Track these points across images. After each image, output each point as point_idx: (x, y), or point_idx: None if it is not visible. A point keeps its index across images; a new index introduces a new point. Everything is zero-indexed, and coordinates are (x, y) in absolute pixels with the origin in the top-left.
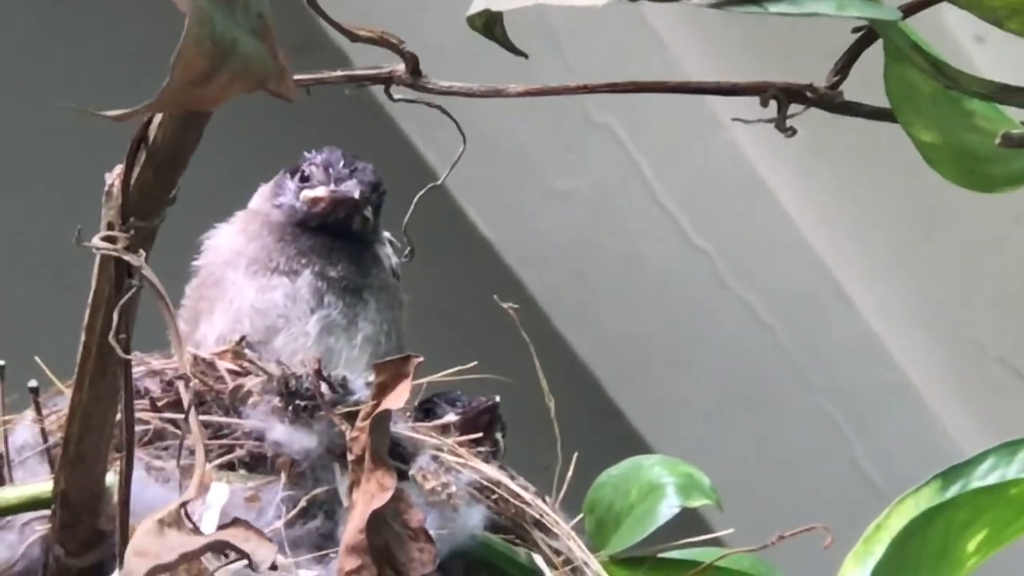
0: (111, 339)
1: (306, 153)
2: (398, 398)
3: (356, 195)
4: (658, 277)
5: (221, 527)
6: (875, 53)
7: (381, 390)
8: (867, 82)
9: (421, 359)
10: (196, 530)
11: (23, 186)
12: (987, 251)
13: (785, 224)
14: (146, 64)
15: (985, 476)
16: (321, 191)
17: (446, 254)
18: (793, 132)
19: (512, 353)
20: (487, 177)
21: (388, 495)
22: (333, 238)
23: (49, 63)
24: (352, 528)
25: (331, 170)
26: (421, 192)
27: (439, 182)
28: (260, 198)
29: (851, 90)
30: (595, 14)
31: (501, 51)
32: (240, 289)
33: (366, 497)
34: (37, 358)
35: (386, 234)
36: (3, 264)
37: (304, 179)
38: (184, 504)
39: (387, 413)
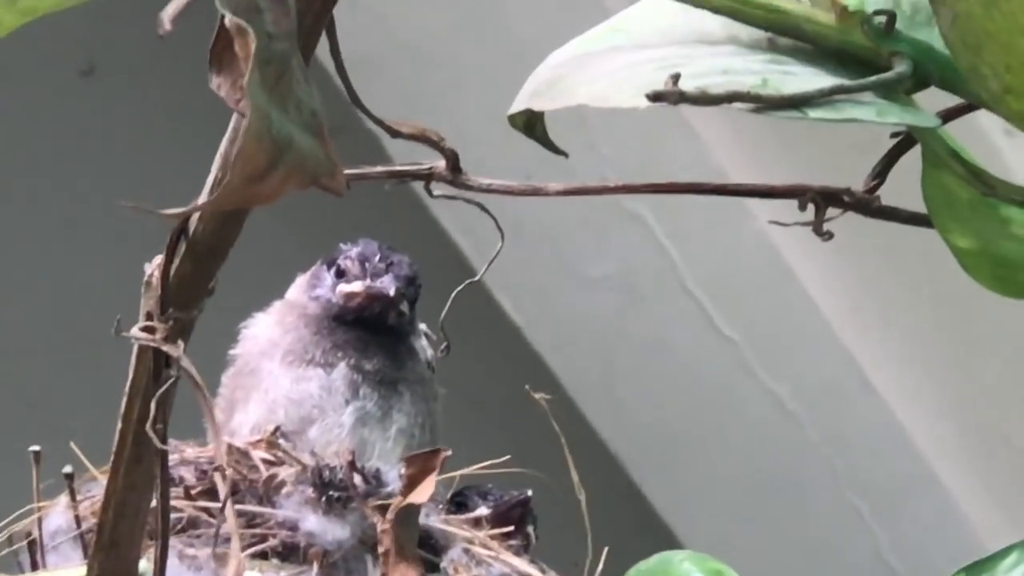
0: (148, 429)
1: (342, 245)
2: (423, 493)
3: (391, 292)
4: (685, 365)
5: None
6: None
7: (410, 483)
8: (902, 184)
9: (449, 453)
10: None
11: (61, 269)
12: (1013, 344)
13: (812, 314)
14: (176, 134)
15: (1009, 571)
16: (357, 286)
17: (475, 338)
18: (830, 236)
19: (541, 439)
20: (518, 262)
21: None
22: (369, 331)
23: (81, 138)
24: None
25: (367, 264)
26: (459, 288)
27: (476, 278)
28: (297, 289)
29: (887, 189)
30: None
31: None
32: (275, 379)
33: None
34: (72, 444)
35: (422, 326)
36: (39, 348)
37: (340, 273)
38: None
39: (413, 507)
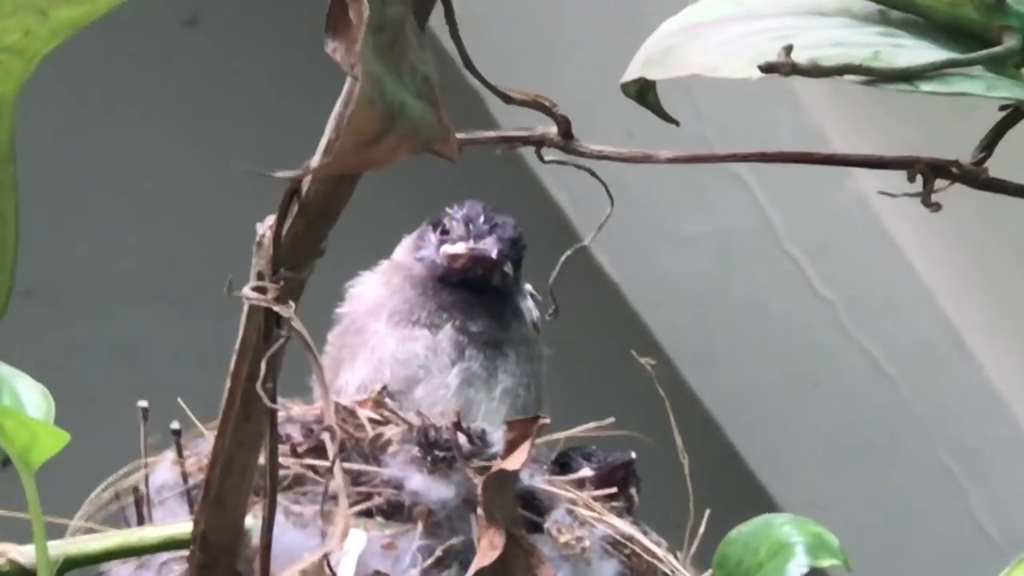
0: (258, 388)
1: (447, 208)
2: (516, 460)
3: (494, 254)
4: (781, 324)
5: None
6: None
7: (510, 448)
8: (1008, 156)
9: (547, 420)
10: None
11: (170, 225)
12: None
13: (910, 276)
14: (280, 86)
15: None
16: (460, 247)
17: (573, 295)
18: (938, 208)
19: (642, 399)
20: (616, 220)
21: (495, 554)
22: (474, 292)
23: (184, 89)
24: None
25: (471, 226)
26: (568, 252)
27: (585, 243)
28: (403, 250)
29: (992, 163)
30: None
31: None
32: (382, 339)
33: (480, 554)
34: (179, 400)
35: (528, 287)
36: (148, 304)
37: (445, 233)
38: (326, 555)
39: (504, 473)
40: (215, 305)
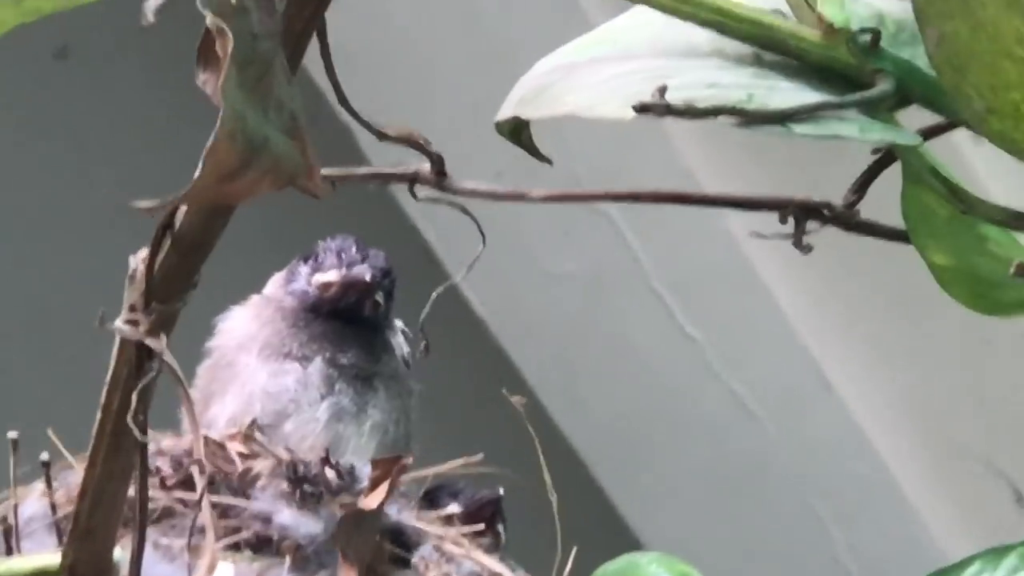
0: (129, 421)
1: (320, 241)
2: (375, 499)
3: (367, 277)
4: (648, 363)
5: None
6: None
7: (373, 486)
8: (878, 198)
9: (409, 460)
10: None
11: (40, 257)
12: (974, 352)
13: (776, 316)
14: (153, 119)
15: None
16: (333, 275)
17: (439, 331)
18: (810, 249)
19: (506, 435)
20: (485, 259)
21: None
22: (345, 324)
23: (55, 121)
24: None
25: (343, 255)
26: (439, 290)
27: (456, 280)
28: (274, 284)
29: (863, 205)
30: None
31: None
32: (252, 373)
33: None
34: (49, 431)
35: (399, 323)
36: (17, 336)
37: (316, 265)
38: None
39: (360, 512)
40: (87, 336)
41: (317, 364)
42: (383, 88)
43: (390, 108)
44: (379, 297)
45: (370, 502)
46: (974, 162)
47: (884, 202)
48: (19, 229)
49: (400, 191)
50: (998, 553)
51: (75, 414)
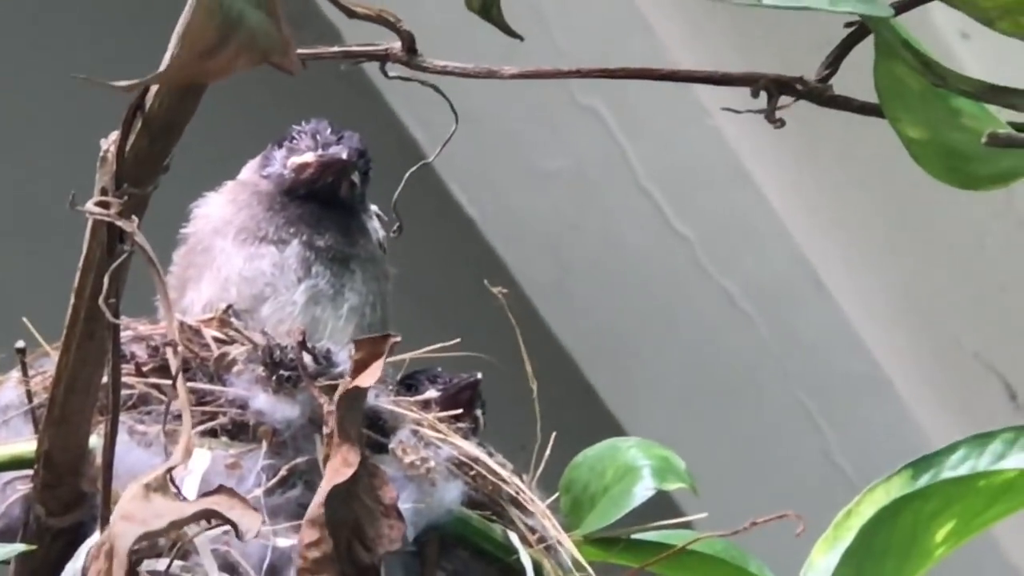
0: (101, 303)
1: (294, 125)
2: (369, 377)
3: (344, 156)
4: (638, 261)
5: (204, 494)
6: (865, 48)
7: (358, 367)
8: (857, 76)
9: (398, 338)
10: (181, 496)
11: (14, 149)
12: (966, 247)
13: (766, 213)
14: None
15: (956, 467)
16: (309, 156)
17: (429, 229)
18: (782, 124)
19: (493, 330)
20: (472, 155)
21: (350, 471)
22: (321, 207)
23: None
24: (315, 501)
25: (318, 137)
26: (412, 169)
27: (429, 160)
28: (249, 170)
29: (840, 84)
30: None
31: (490, 31)
32: (228, 257)
33: (331, 472)
34: (24, 319)
35: (373, 207)
36: None
37: (292, 147)
38: (170, 470)
39: (357, 391)
40: (61, 222)
41: (294, 247)
42: None
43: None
44: (355, 177)
45: (364, 380)
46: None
47: (861, 83)
48: None
49: (378, 78)
50: (983, 439)
51: (50, 301)
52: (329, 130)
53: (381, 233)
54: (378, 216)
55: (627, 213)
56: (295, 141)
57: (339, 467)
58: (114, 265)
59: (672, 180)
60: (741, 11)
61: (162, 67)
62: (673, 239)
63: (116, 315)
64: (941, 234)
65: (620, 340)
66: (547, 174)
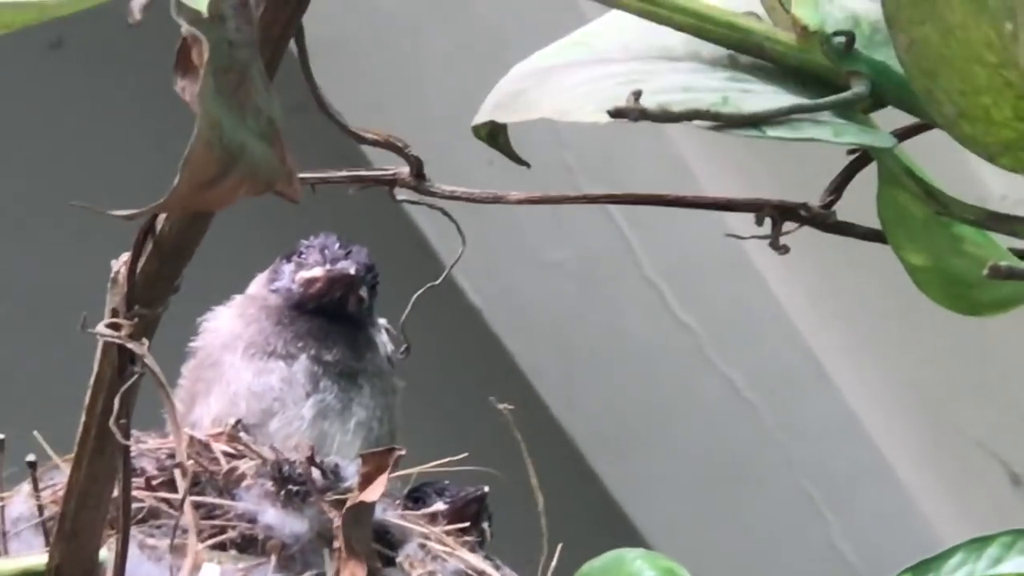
0: (112, 424)
1: (302, 240)
2: (375, 491)
3: (352, 271)
4: (642, 350)
5: None
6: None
7: (364, 481)
8: (860, 199)
9: (403, 452)
10: None
11: (25, 256)
12: (968, 335)
13: (769, 302)
14: (144, 112)
15: (954, 571)
16: (317, 271)
17: (433, 319)
18: (786, 250)
19: (499, 429)
20: (478, 244)
21: None
22: (329, 321)
23: (48, 111)
24: None
25: (326, 252)
26: (419, 292)
27: (438, 281)
28: (257, 284)
29: (843, 205)
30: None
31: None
32: (237, 372)
33: None
34: (36, 432)
35: (382, 321)
36: (4, 339)
37: (300, 262)
38: None
39: (363, 505)
40: (72, 337)
41: (302, 362)
42: (372, 74)
43: (379, 96)
44: (363, 292)
45: (370, 494)
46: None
47: (863, 200)
48: (8, 222)
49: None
50: (980, 543)
51: (61, 416)
52: (337, 245)
53: (390, 347)
54: (386, 330)
55: (632, 303)
56: (303, 255)
57: None
58: (125, 387)
59: (677, 271)
60: None
61: (165, 196)
62: (677, 329)
63: (127, 436)
64: (942, 323)
65: (625, 428)
66: (552, 264)
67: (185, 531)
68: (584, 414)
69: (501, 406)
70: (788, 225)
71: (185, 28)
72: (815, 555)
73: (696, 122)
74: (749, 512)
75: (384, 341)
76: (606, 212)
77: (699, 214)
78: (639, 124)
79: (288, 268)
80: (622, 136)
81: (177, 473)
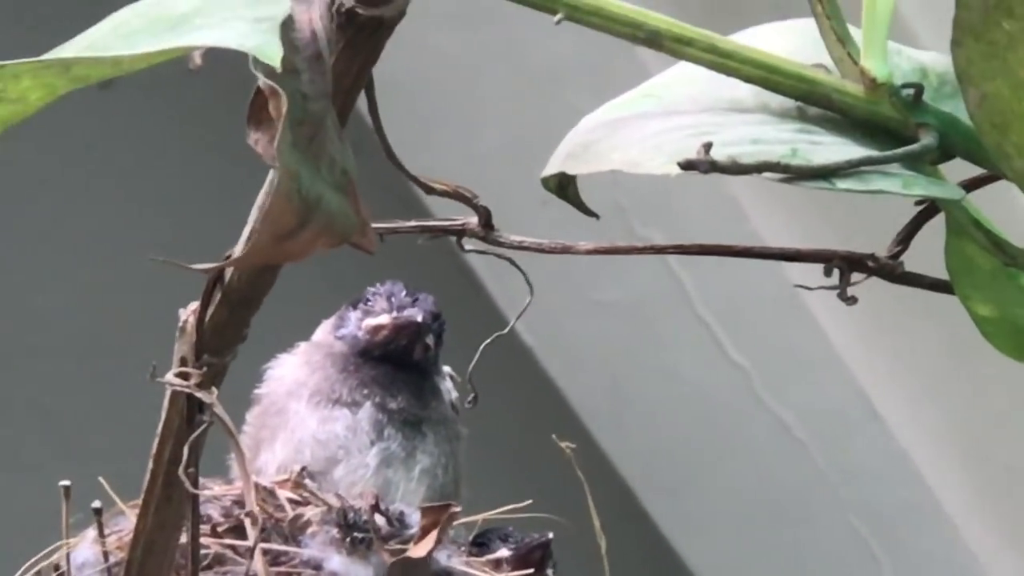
0: (180, 473)
1: (369, 287)
2: (423, 547)
3: (419, 319)
4: (694, 391)
5: None
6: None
7: (424, 533)
8: (926, 249)
9: (458, 508)
10: None
11: (88, 304)
12: (1019, 375)
13: (821, 342)
14: (194, 155)
15: None
16: (384, 319)
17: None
18: (855, 301)
19: (557, 472)
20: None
21: None
22: (395, 368)
23: (100, 152)
24: None
25: (393, 299)
26: (488, 341)
27: (506, 331)
28: (323, 331)
29: (910, 255)
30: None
31: None
32: (302, 419)
33: None
34: (101, 479)
35: (447, 368)
36: (69, 384)
37: (367, 309)
38: None
39: (409, 560)
40: (138, 384)
41: (367, 409)
42: (422, 113)
43: (437, 139)
44: (429, 340)
45: (419, 550)
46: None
47: (930, 250)
48: (69, 270)
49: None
50: None
51: (126, 462)
52: (404, 292)
53: (454, 394)
54: (451, 377)
55: (684, 343)
56: (370, 303)
57: None
58: (193, 436)
59: (729, 311)
60: None
61: (241, 245)
62: (729, 368)
63: (195, 484)
64: (992, 362)
65: (676, 468)
66: (604, 304)
67: None
68: (637, 454)
69: (563, 444)
70: (855, 276)
71: (262, 81)
72: None
73: (770, 176)
74: (800, 552)
75: (448, 388)
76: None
77: None
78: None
79: (354, 315)
80: (678, 178)
81: (247, 520)
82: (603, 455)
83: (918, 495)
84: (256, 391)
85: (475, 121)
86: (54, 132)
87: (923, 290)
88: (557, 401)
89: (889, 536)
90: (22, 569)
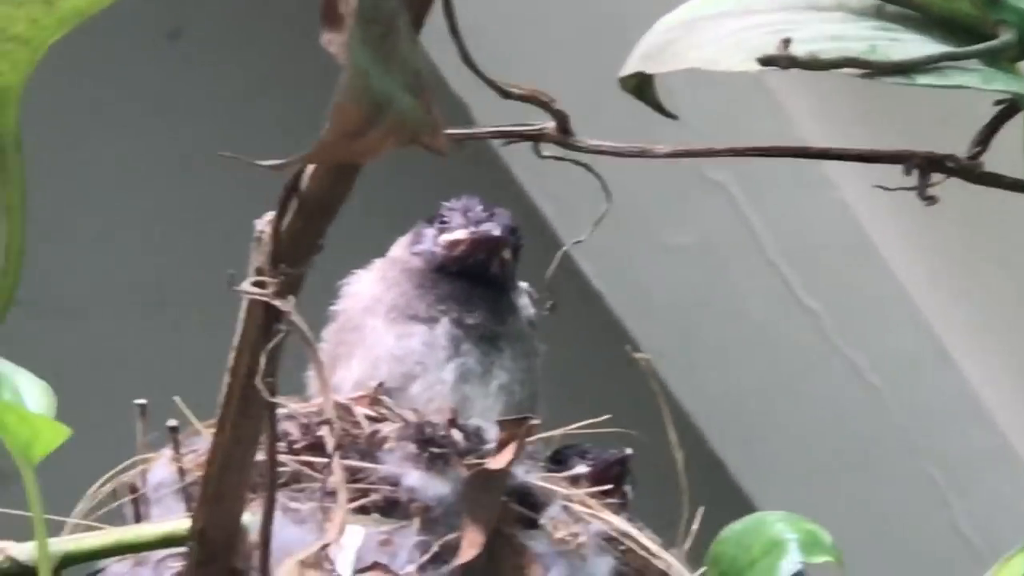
0: (258, 383)
1: (444, 202)
2: (501, 460)
3: (497, 232)
4: (765, 334)
5: (358, 570)
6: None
7: (500, 447)
8: (999, 155)
9: (537, 421)
10: (336, 573)
11: (164, 226)
12: None
13: (892, 285)
14: (262, 103)
15: None
16: (461, 233)
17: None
18: (935, 201)
19: (626, 405)
20: (600, 231)
21: (474, 552)
22: (472, 284)
23: (167, 101)
24: None
25: (470, 214)
26: (564, 248)
27: (581, 239)
28: (399, 247)
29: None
30: (712, 73)
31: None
32: (379, 336)
33: (460, 551)
34: (177, 398)
35: (524, 284)
36: (145, 303)
37: (443, 225)
38: (325, 547)
39: (486, 472)
40: (211, 307)
41: (443, 325)
42: (496, 55)
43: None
44: (506, 254)
45: (497, 462)
46: None
47: (1007, 157)
48: (141, 202)
49: (511, 157)
50: None
51: (201, 380)
52: (480, 207)
53: (531, 310)
54: (528, 293)
55: (754, 287)
56: (446, 218)
57: (466, 547)
58: (271, 345)
59: (799, 254)
60: (866, 86)
61: (312, 147)
62: (800, 312)
63: (273, 394)
64: None
65: (748, 414)
66: (675, 248)
67: (330, 493)
68: (707, 398)
69: (638, 355)
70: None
71: None
72: (938, 538)
73: (849, 72)
74: (872, 496)
75: (525, 303)
76: (727, 194)
77: (822, 196)
78: (760, 105)
79: (431, 231)
80: (742, 117)
81: (324, 430)
82: (673, 399)
83: (991, 439)
84: (332, 308)
85: (544, 58)
86: (124, 78)
87: (994, 232)
88: (627, 345)
89: (961, 479)
90: (95, 485)
